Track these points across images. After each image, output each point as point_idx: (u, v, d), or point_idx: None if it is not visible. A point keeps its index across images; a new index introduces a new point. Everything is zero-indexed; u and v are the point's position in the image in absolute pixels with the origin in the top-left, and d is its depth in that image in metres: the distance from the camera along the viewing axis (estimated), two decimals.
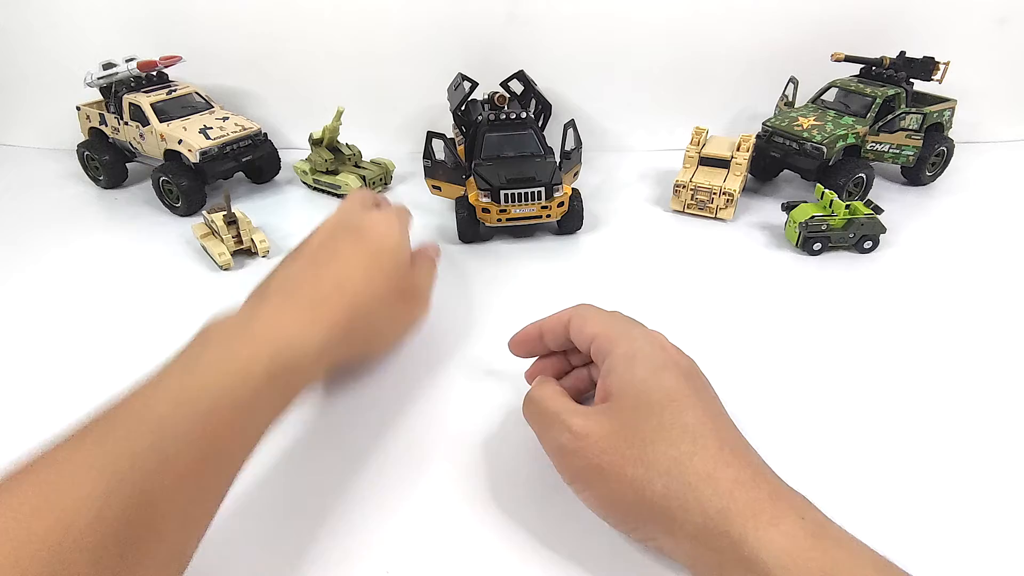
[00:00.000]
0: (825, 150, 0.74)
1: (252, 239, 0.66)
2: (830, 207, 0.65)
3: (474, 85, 0.77)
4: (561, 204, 0.67)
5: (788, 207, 0.68)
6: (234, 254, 0.65)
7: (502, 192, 0.65)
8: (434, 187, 0.72)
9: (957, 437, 0.42)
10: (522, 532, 0.36)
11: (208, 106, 0.83)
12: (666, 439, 0.29)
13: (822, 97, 0.83)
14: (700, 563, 0.28)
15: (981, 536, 0.36)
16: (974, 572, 0.34)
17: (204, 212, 0.67)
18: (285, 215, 0.77)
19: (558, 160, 0.70)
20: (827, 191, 0.67)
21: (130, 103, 0.78)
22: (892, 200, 0.74)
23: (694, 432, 0.29)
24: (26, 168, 0.92)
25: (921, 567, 0.27)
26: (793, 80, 0.85)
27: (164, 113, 0.78)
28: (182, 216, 0.76)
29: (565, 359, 0.42)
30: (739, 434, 0.31)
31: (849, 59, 0.81)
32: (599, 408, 0.32)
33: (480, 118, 0.72)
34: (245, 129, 0.80)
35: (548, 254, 0.68)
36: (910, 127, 0.77)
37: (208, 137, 0.76)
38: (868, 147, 0.78)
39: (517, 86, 0.80)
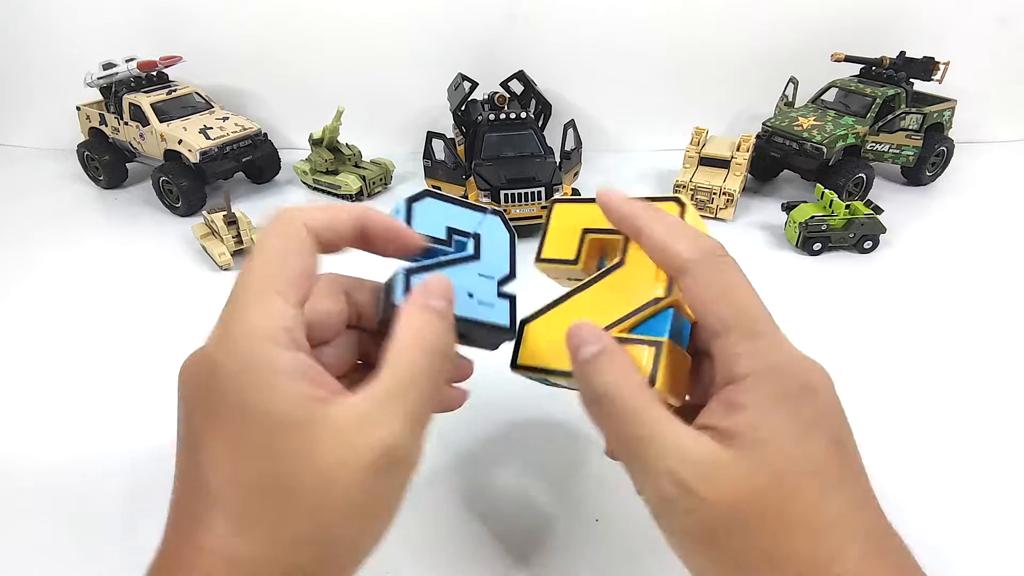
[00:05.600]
0: (825, 150, 0.74)
1: (252, 239, 0.66)
2: (830, 207, 0.65)
3: (474, 85, 0.77)
4: None
5: (788, 207, 0.68)
6: (234, 254, 0.65)
7: (502, 192, 0.65)
8: (434, 187, 0.72)
9: (957, 436, 0.43)
10: (522, 532, 0.36)
11: (208, 106, 0.83)
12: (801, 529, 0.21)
13: (822, 97, 0.83)
14: None
15: (980, 535, 0.36)
16: (973, 572, 0.34)
17: (204, 212, 0.67)
18: None
19: (558, 160, 0.70)
20: (827, 191, 0.67)
21: (130, 103, 0.78)
22: (892, 200, 0.74)
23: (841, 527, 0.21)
24: (26, 168, 0.92)
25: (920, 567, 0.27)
26: (793, 80, 0.85)
27: (164, 113, 0.78)
28: (182, 216, 0.76)
29: None
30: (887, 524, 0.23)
31: (849, 59, 0.81)
32: (728, 446, 0.21)
33: (480, 118, 0.72)
34: (245, 129, 0.80)
35: None
36: (910, 127, 0.77)
37: (208, 137, 0.76)
38: (868, 147, 0.78)
39: (517, 86, 0.80)
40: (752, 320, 0.23)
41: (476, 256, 0.29)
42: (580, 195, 0.69)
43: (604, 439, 0.28)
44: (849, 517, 0.21)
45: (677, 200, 0.28)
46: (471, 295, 0.28)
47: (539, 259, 0.31)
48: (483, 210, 0.30)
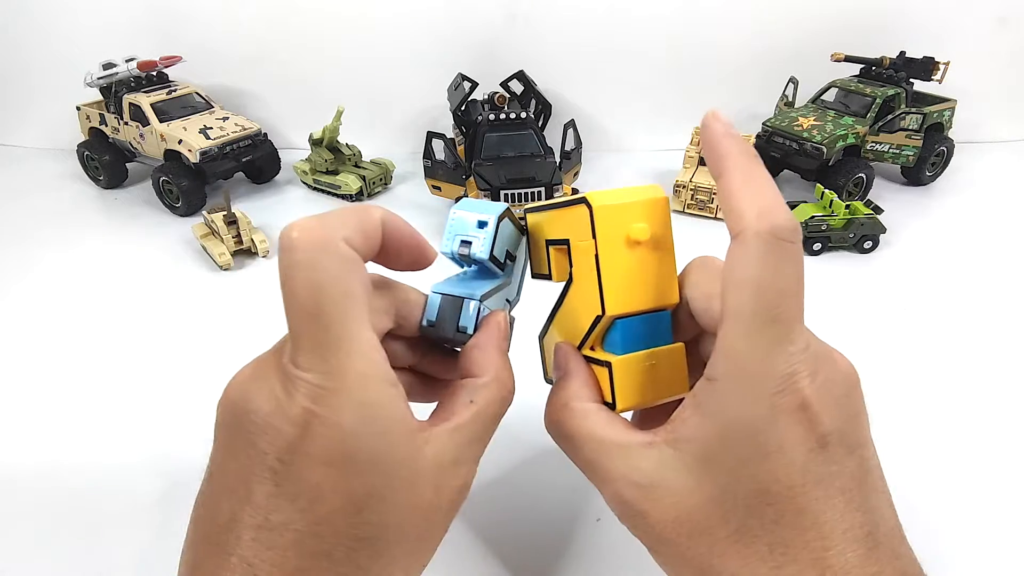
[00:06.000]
0: (825, 150, 0.74)
1: (252, 239, 0.66)
2: (830, 207, 0.65)
3: (474, 85, 0.77)
4: None
5: (788, 207, 0.68)
6: (234, 254, 0.65)
7: (502, 192, 0.65)
8: (434, 187, 0.72)
9: (957, 435, 0.42)
10: (522, 531, 0.36)
11: (208, 106, 0.83)
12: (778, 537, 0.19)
13: (822, 97, 0.83)
14: None
15: (980, 535, 0.36)
16: (972, 572, 0.34)
17: (204, 212, 0.67)
18: (285, 215, 0.77)
19: (558, 160, 0.70)
20: (827, 191, 0.67)
21: (130, 103, 0.78)
22: (892, 200, 0.74)
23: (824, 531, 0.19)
24: (26, 168, 0.92)
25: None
26: (793, 80, 0.85)
27: (164, 113, 0.78)
28: (182, 216, 0.76)
29: None
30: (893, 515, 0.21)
31: (849, 59, 0.81)
32: (682, 443, 0.21)
33: (480, 118, 0.72)
34: (245, 129, 0.80)
35: None
36: (910, 127, 0.77)
37: (208, 137, 0.76)
38: (868, 147, 0.78)
39: (517, 86, 0.80)
40: (764, 318, 0.19)
41: (510, 281, 0.29)
42: (579, 193, 0.69)
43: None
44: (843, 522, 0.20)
45: (585, 202, 0.24)
46: (508, 302, 0.29)
47: (532, 275, 0.30)
48: (523, 230, 0.29)
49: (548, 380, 0.28)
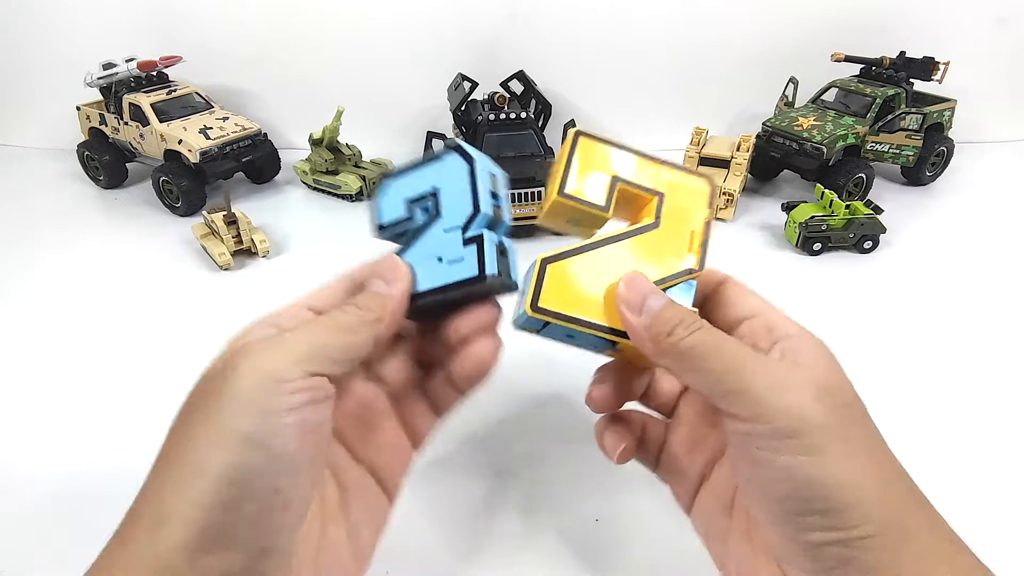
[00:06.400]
0: (825, 150, 0.73)
1: (252, 239, 0.66)
2: (830, 207, 0.65)
3: (474, 85, 0.77)
4: None
5: (788, 207, 0.68)
6: (234, 254, 0.65)
7: None
8: None
9: (957, 435, 0.43)
10: (521, 532, 0.36)
11: (208, 106, 0.83)
12: None
13: (822, 97, 0.83)
14: None
15: (980, 535, 0.36)
16: None
17: (204, 212, 0.67)
18: (285, 215, 0.77)
19: None
20: (827, 191, 0.67)
21: (130, 103, 0.78)
22: (892, 200, 0.74)
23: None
24: (26, 168, 0.92)
25: None
26: (793, 80, 0.85)
27: (164, 113, 0.78)
28: (182, 216, 0.76)
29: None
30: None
31: (849, 59, 0.81)
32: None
33: (480, 118, 0.72)
34: (245, 129, 0.80)
35: None
36: (910, 127, 0.77)
37: (208, 137, 0.76)
38: (868, 147, 0.78)
39: (517, 86, 0.80)
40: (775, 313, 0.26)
41: (436, 214, 0.26)
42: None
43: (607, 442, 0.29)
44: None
45: (709, 180, 0.29)
46: (440, 259, 0.26)
47: (562, 193, 0.27)
48: (438, 156, 0.27)
49: (536, 309, 0.26)
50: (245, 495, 0.20)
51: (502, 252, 0.26)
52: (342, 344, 0.23)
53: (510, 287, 0.27)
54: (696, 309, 0.26)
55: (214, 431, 0.20)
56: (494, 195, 0.27)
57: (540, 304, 0.26)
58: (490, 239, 0.25)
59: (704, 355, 0.23)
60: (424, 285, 0.26)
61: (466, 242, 0.25)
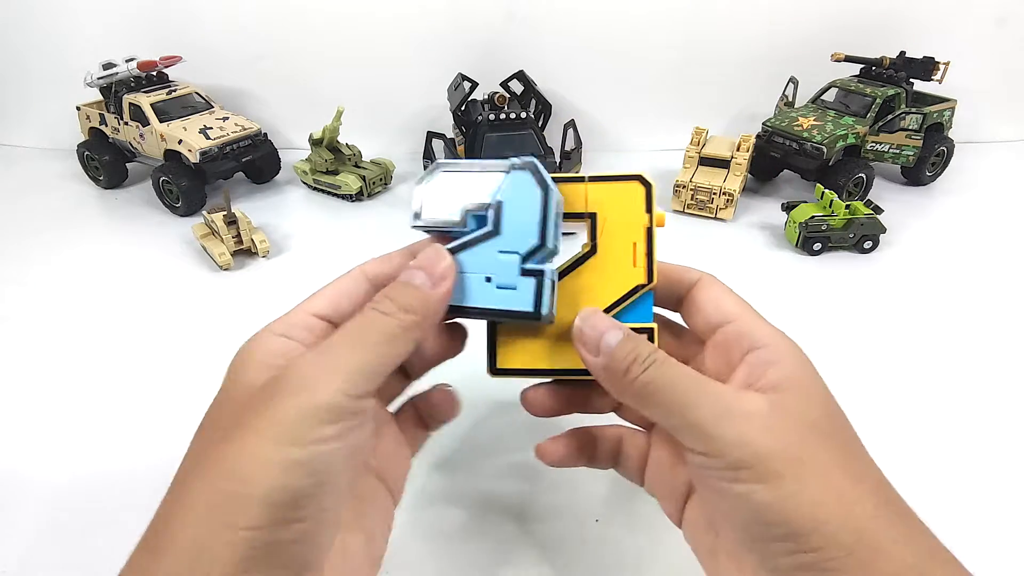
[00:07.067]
0: (825, 150, 0.74)
1: (252, 239, 0.66)
2: (830, 207, 0.65)
3: (474, 85, 0.77)
4: None
5: (788, 207, 0.68)
6: (234, 254, 0.65)
7: None
8: None
9: (957, 435, 0.42)
10: (521, 532, 0.36)
11: (208, 106, 0.83)
12: None
13: (822, 97, 0.83)
14: None
15: (979, 535, 0.36)
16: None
17: (204, 212, 0.67)
18: (285, 215, 0.77)
19: (558, 160, 0.70)
20: (827, 191, 0.67)
21: (130, 103, 0.78)
22: (892, 200, 0.74)
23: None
24: (26, 168, 0.92)
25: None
26: (793, 80, 0.85)
27: (164, 113, 0.78)
28: (182, 216, 0.76)
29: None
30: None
31: (849, 59, 0.81)
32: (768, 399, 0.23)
33: (480, 118, 0.72)
34: (245, 129, 0.80)
35: None
36: (910, 127, 0.77)
37: (208, 137, 0.76)
38: (868, 147, 0.78)
39: (517, 86, 0.80)
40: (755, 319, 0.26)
41: (495, 232, 0.25)
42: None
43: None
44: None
45: (641, 179, 0.26)
46: (489, 279, 0.24)
47: None
48: (506, 167, 0.25)
49: (496, 371, 0.26)
50: (293, 517, 0.20)
51: (552, 287, 0.25)
52: (385, 358, 0.22)
53: (550, 322, 0.26)
54: (655, 326, 0.26)
55: (261, 455, 0.20)
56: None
57: (499, 366, 0.26)
58: (550, 276, 0.24)
59: (657, 391, 0.23)
60: (466, 300, 0.24)
61: (524, 272, 0.24)
